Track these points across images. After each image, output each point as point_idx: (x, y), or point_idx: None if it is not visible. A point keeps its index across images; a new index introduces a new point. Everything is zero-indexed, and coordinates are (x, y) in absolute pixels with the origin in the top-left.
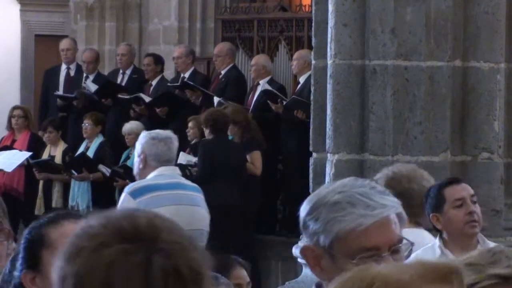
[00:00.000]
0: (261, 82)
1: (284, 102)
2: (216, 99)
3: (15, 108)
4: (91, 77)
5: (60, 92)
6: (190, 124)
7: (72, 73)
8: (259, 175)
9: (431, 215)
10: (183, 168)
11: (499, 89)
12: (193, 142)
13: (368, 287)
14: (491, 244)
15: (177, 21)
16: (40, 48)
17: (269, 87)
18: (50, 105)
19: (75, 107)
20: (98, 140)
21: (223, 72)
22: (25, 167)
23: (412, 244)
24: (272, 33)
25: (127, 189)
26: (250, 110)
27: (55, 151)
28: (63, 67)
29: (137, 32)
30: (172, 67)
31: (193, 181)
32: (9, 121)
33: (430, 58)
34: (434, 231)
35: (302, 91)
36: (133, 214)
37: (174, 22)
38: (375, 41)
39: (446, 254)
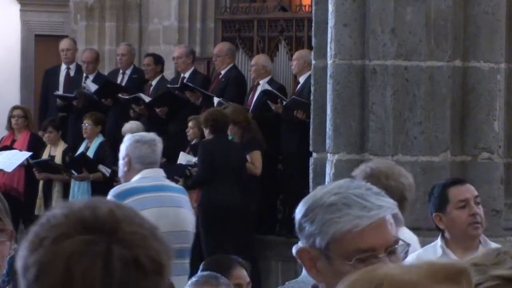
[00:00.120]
0: (261, 82)
1: (284, 102)
2: (216, 99)
3: (15, 108)
4: (91, 77)
5: (60, 92)
6: (190, 124)
7: (72, 73)
8: (259, 175)
9: (434, 214)
10: (183, 168)
11: (499, 89)
12: (193, 142)
13: None
14: (493, 245)
15: (177, 21)
16: (40, 48)
17: (269, 87)
18: (50, 105)
19: (75, 107)
20: (98, 140)
21: (223, 72)
22: (25, 167)
23: (408, 245)
24: (272, 33)
25: (112, 192)
26: (250, 110)
27: (55, 151)
28: (63, 67)
29: (137, 32)
30: (172, 67)
31: (193, 181)
32: (9, 121)
33: (430, 58)
34: (436, 230)
35: (302, 91)
36: (95, 205)
37: (174, 22)
38: (375, 41)
39: (447, 254)
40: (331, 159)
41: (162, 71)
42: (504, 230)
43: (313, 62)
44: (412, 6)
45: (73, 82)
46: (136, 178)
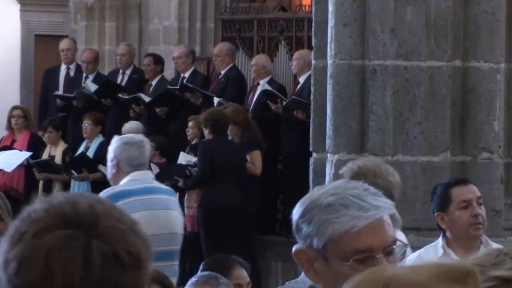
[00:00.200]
0: (261, 82)
1: (284, 102)
2: (216, 99)
3: (14, 108)
4: (91, 77)
5: (60, 92)
6: (190, 124)
7: (72, 73)
8: (259, 175)
9: (436, 214)
10: (183, 168)
11: (499, 89)
12: (193, 142)
13: None
14: (494, 245)
15: (177, 21)
16: (40, 48)
17: (269, 87)
18: (50, 105)
19: (75, 107)
20: (98, 140)
21: (223, 72)
22: (25, 167)
23: (406, 245)
24: (272, 33)
25: (101, 195)
26: (250, 110)
27: (55, 151)
28: (63, 67)
29: (137, 32)
30: (172, 67)
31: (193, 181)
32: (9, 121)
33: (430, 58)
34: (436, 230)
35: (302, 91)
36: (75, 200)
37: (174, 22)
38: (375, 41)
39: (448, 254)
40: (331, 159)
41: (162, 71)
42: (504, 230)
43: (313, 62)
44: (412, 6)
45: (73, 82)
46: (125, 180)
